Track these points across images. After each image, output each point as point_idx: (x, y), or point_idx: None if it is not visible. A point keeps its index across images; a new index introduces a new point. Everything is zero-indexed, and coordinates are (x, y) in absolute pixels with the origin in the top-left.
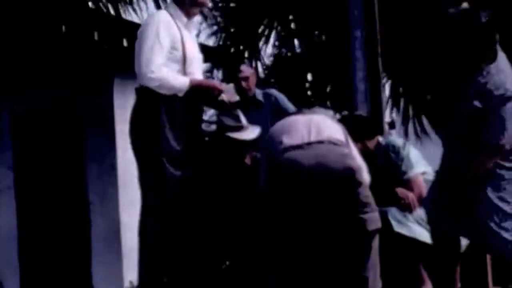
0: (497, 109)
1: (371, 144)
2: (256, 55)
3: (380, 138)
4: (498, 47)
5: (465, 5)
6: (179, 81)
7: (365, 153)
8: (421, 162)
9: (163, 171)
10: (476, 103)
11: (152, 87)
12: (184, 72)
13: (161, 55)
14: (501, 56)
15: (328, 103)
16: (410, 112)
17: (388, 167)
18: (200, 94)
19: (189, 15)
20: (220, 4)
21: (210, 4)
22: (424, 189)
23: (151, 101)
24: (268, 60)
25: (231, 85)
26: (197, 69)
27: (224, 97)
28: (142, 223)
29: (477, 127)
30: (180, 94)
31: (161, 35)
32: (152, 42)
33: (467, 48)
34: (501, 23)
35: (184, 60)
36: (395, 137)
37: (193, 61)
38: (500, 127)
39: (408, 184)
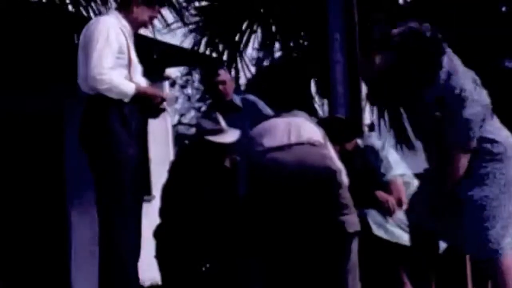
0: (458, 111)
1: (349, 146)
2: (236, 58)
3: (359, 141)
4: (448, 52)
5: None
6: (127, 87)
7: (344, 155)
8: (400, 164)
9: (119, 177)
10: (437, 113)
11: (100, 90)
12: (130, 77)
13: (111, 59)
14: (452, 60)
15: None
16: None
17: (367, 169)
18: (144, 100)
19: (131, 26)
20: (197, 4)
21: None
22: (403, 192)
23: (100, 108)
24: (250, 64)
25: (173, 94)
26: (139, 76)
27: (165, 105)
28: (104, 232)
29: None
30: (126, 100)
31: (110, 39)
32: (102, 45)
33: (417, 64)
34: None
35: (129, 66)
36: (374, 139)
37: (136, 67)
38: (465, 128)
39: (387, 186)
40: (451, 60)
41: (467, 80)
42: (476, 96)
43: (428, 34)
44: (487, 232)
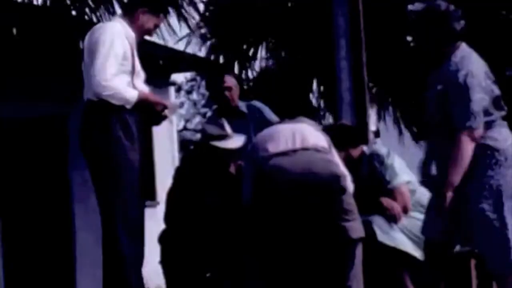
0: (462, 92)
1: (355, 153)
2: (244, 66)
3: (365, 147)
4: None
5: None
6: (129, 93)
7: (350, 162)
8: (406, 171)
9: (120, 181)
10: (439, 86)
11: (104, 96)
12: (133, 84)
13: (115, 65)
14: (466, 49)
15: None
16: (398, 118)
17: (373, 176)
18: (146, 107)
19: (136, 34)
20: (207, 13)
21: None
22: (409, 198)
23: (102, 113)
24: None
25: (176, 102)
26: (142, 82)
27: (167, 112)
28: (108, 236)
29: (448, 115)
30: (128, 106)
31: (115, 45)
32: (107, 51)
33: (430, 38)
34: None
35: (132, 72)
36: (380, 146)
37: (139, 74)
38: (470, 111)
39: (392, 193)
40: (466, 48)
41: (478, 68)
42: (484, 84)
43: (441, 8)
44: (493, 247)
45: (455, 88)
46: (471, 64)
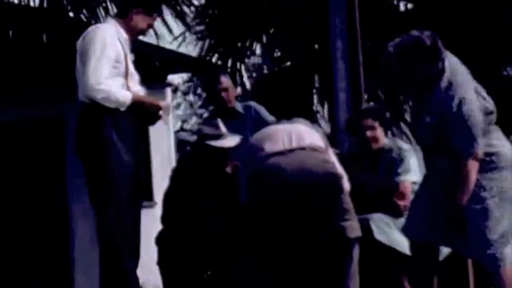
0: (459, 121)
1: (373, 133)
2: (239, 66)
3: (386, 141)
4: (451, 60)
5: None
6: (123, 95)
7: (369, 154)
8: (416, 171)
9: (113, 183)
10: (431, 118)
11: (98, 99)
12: (127, 86)
13: (108, 68)
14: (453, 66)
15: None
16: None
17: (387, 167)
18: (139, 109)
19: (129, 34)
20: (202, 11)
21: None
22: (409, 198)
23: (95, 115)
24: (254, 72)
25: (169, 103)
26: (136, 84)
27: (161, 113)
28: (102, 239)
29: (440, 139)
30: (122, 108)
31: (107, 48)
32: (99, 54)
33: (417, 71)
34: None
35: (126, 74)
36: (403, 142)
37: (133, 76)
38: (469, 135)
39: (397, 186)
40: (452, 69)
41: (468, 89)
42: (478, 104)
43: (428, 43)
44: (486, 245)
45: (451, 119)
46: (460, 88)
